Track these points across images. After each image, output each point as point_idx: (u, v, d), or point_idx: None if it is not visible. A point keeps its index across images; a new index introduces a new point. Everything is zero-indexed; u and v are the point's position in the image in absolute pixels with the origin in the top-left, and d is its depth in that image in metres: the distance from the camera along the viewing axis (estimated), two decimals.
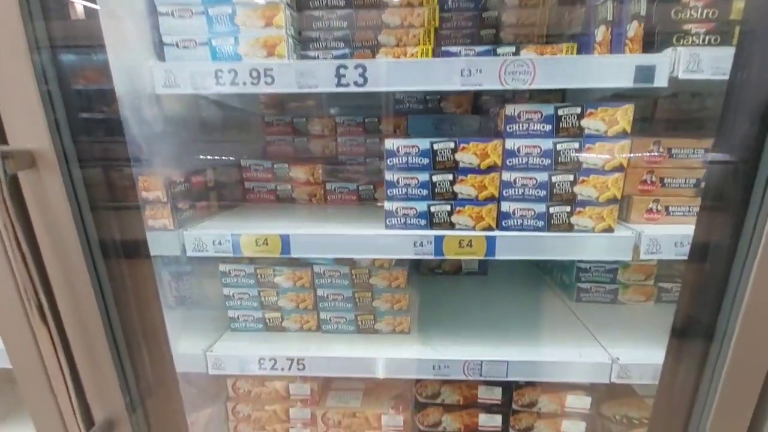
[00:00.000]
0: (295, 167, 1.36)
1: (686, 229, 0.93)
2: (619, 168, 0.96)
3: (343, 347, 1.16)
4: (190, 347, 1.16)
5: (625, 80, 0.86)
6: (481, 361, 1.10)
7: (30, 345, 0.67)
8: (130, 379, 0.77)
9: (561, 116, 0.93)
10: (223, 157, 1.39)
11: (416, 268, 1.70)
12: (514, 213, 1.00)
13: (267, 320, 1.24)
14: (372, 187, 1.37)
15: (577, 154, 0.95)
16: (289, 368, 1.14)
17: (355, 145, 1.50)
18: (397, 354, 1.13)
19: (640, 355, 1.09)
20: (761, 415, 0.74)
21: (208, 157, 1.34)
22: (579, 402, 1.15)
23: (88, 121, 0.71)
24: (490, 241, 1.00)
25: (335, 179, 1.39)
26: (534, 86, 0.88)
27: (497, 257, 1.01)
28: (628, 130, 0.93)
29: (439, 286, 1.57)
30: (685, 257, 0.95)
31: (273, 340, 1.21)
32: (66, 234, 0.66)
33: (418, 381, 1.21)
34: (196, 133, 1.37)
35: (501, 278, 1.66)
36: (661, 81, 0.86)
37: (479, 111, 1.42)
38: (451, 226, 1.03)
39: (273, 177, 1.37)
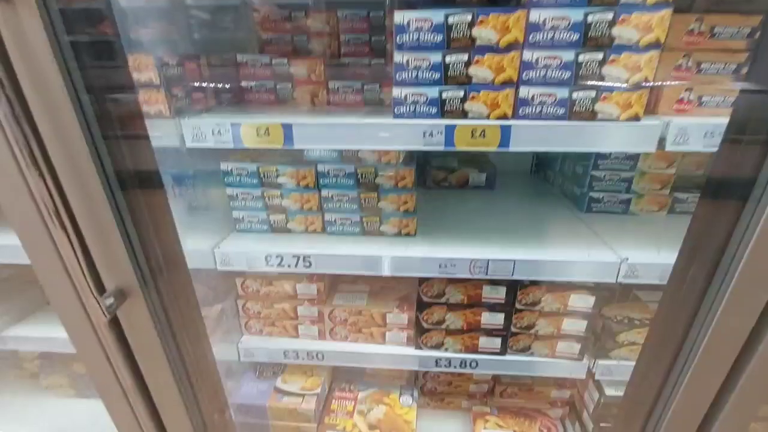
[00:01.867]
0: (296, 63, 1.25)
1: (719, 120, 0.86)
2: (656, 44, 0.86)
3: (348, 247, 1.15)
4: (198, 245, 1.16)
5: None
6: (488, 260, 1.09)
7: (29, 205, 0.65)
8: (139, 255, 0.77)
9: None
10: (218, 52, 1.29)
11: (423, 182, 1.66)
12: (533, 99, 0.92)
13: (272, 222, 1.23)
14: (378, 86, 1.27)
15: (609, 27, 0.85)
16: (296, 265, 1.15)
17: (360, 44, 1.38)
18: (403, 252, 1.12)
19: (648, 256, 1.07)
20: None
21: (202, 47, 1.24)
22: (582, 302, 1.16)
23: None
24: (505, 131, 0.93)
25: (338, 78, 1.29)
26: None
27: (511, 149, 0.95)
28: None
29: (445, 199, 1.54)
30: (715, 149, 0.89)
31: (278, 241, 1.20)
32: (55, 87, 0.60)
33: (423, 281, 1.22)
34: (187, 25, 1.26)
35: (509, 192, 1.62)
36: None
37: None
38: (464, 114, 0.96)
39: (272, 74, 1.27)
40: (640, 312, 1.24)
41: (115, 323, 0.79)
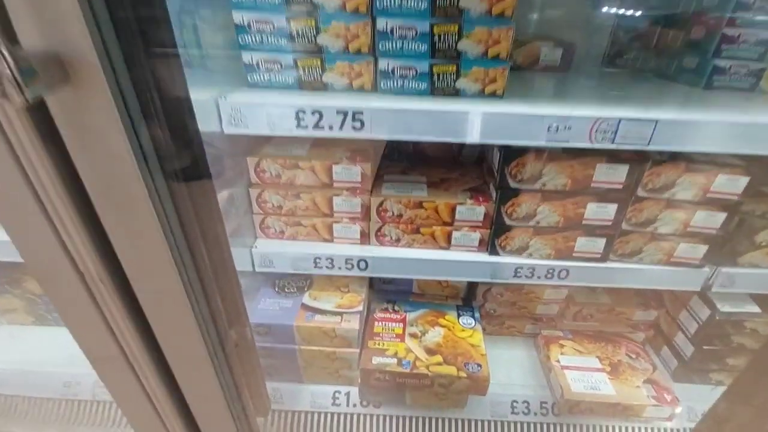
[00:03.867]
0: None
1: None
2: None
3: (413, 105, 0.80)
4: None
5: None
6: (619, 120, 0.77)
7: None
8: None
9: None
10: None
11: None
12: None
13: (301, 71, 0.86)
14: None
15: None
16: (341, 126, 0.80)
17: None
18: (497, 108, 0.78)
19: None
20: None
21: None
22: (731, 185, 0.87)
23: None
24: None
25: None
26: None
27: None
28: None
29: (513, 82, 1.17)
30: None
31: (310, 98, 0.84)
32: None
33: (512, 159, 0.89)
34: None
35: (587, 73, 1.27)
36: None
37: None
38: None
39: None
40: None
41: (45, 128, 0.42)
